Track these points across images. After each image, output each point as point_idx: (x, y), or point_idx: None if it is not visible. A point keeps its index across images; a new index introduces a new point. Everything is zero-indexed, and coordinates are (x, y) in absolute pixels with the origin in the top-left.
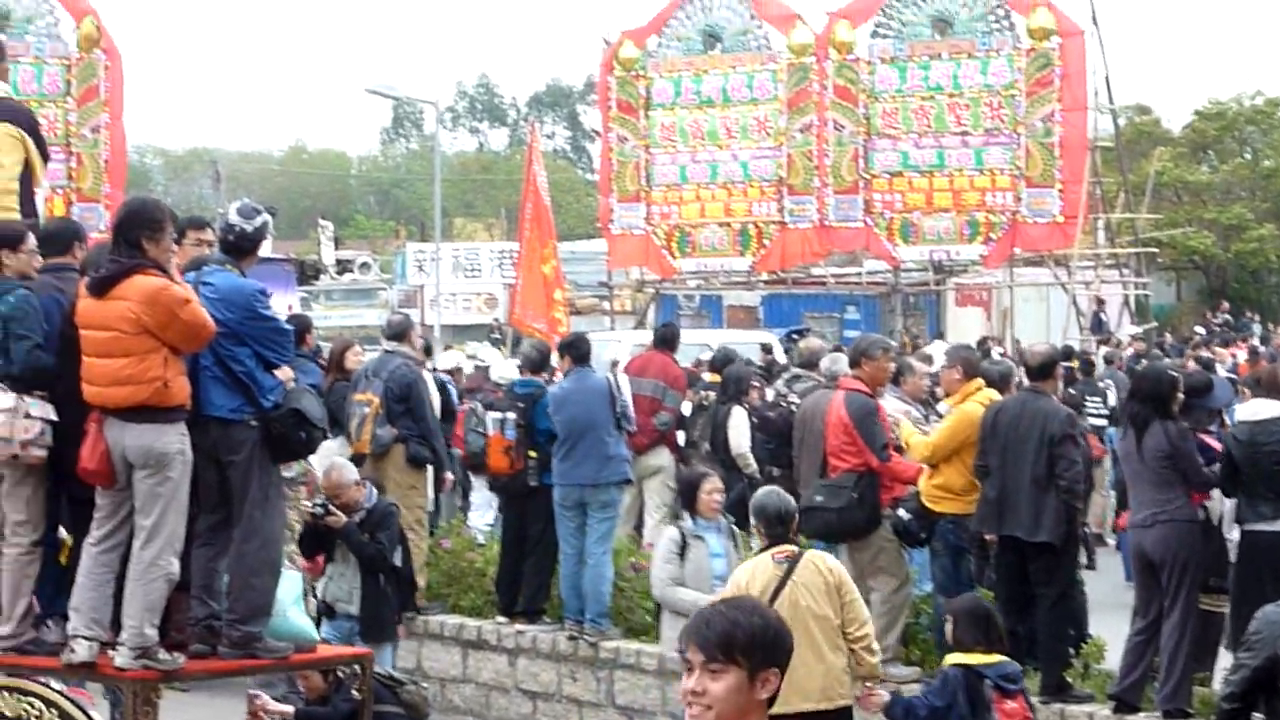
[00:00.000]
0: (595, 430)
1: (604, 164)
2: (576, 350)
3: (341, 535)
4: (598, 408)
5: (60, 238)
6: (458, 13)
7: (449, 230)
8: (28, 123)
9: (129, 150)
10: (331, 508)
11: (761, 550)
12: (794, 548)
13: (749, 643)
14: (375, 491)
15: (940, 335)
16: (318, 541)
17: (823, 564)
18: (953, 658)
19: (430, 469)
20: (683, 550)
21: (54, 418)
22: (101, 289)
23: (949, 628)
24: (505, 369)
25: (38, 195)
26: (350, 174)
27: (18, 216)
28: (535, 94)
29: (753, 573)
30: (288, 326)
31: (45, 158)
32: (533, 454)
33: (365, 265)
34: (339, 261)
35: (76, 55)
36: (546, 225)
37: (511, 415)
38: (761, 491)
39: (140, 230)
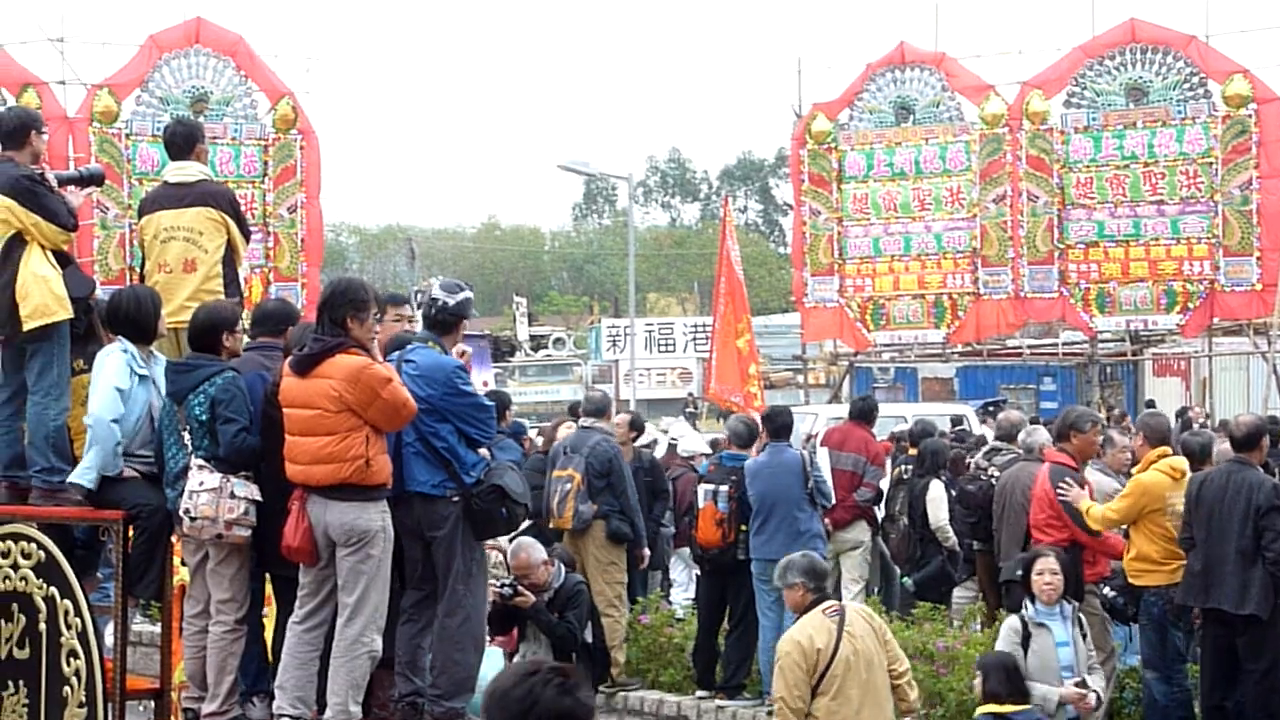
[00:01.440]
0: (787, 505)
1: (797, 237)
2: (773, 424)
3: (530, 615)
4: (790, 482)
5: (276, 318)
6: (649, 88)
7: (642, 305)
8: (229, 204)
9: (325, 229)
10: (520, 588)
11: (809, 608)
12: (838, 602)
13: None
14: (564, 569)
15: (1151, 404)
16: (508, 618)
17: (864, 612)
18: (985, 709)
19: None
20: (1025, 640)
21: (258, 498)
22: (305, 368)
23: (978, 682)
24: (694, 443)
25: (240, 275)
26: (543, 250)
27: (223, 297)
28: (726, 168)
29: (811, 632)
30: (489, 402)
31: (246, 237)
32: (744, 527)
33: (559, 341)
34: (533, 337)
35: (273, 136)
36: (740, 299)
37: (725, 488)
38: (798, 556)
39: (345, 309)
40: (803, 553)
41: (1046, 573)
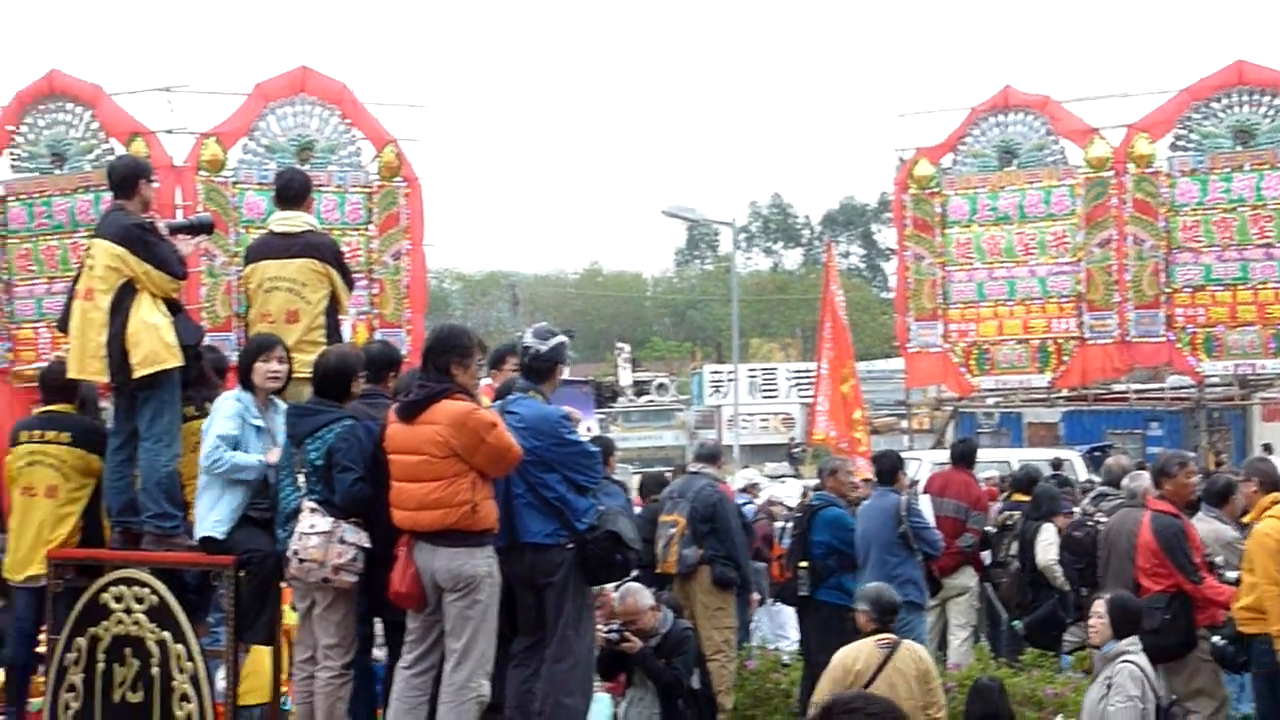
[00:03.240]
0: (880, 548)
1: (900, 282)
2: (877, 467)
3: (637, 661)
4: (884, 527)
5: (380, 364)
6: (751, 133)
7: (745, 350)
8: (333, 256)
9: (429, 275)
10: (627, 634)
11: (867, 635)
12: (895, 637)
13: None
14: (671, 615)
15: (1268, 448)
16: (616, 663)
17: (916, 652)
18: None
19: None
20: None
21: (367, 545)
22: (410, 414)
23: None
24: (788, 490)
25: (344, 324)
26: (645, 295)
27: (324, 346)
28: (829, 212)
29: (857, 655)
30: (594, 449)
31: (350, 286)
32: (803, 565)
33: (662, 386)
34: (636, 383)
35: (377, 183)
36: (844, 344)
37: (789, 525)
38: (871, 585)
39: (450, 356)
40: (877, 584)
41: (1092, 615)
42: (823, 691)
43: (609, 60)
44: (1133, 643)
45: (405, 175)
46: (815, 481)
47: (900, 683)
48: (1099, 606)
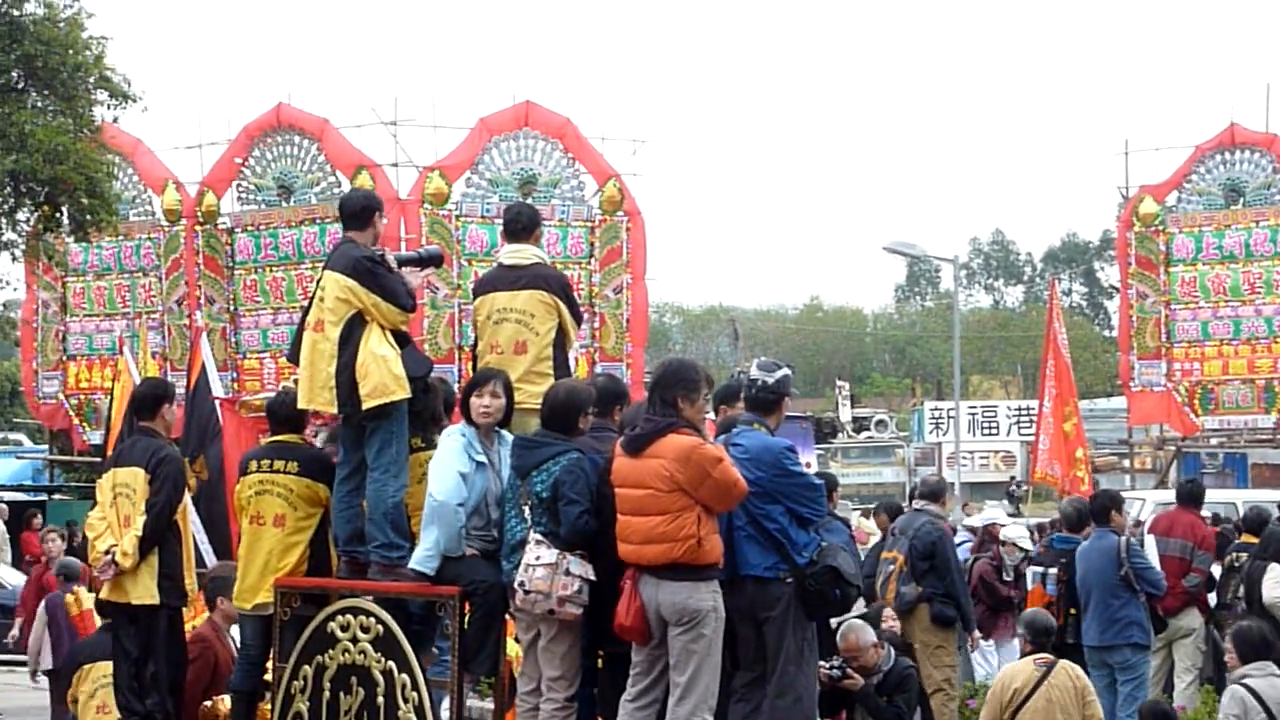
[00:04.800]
0: (1101, 590)
1: (1123, 320)
2: (1092, 506)
3: (859, 698)
4: (1105, 568)
5: (606, 397)
6: (973, 169)
7: (966, 387)
8: (561, 288)
9: (649, 309)
10: (849, 670)
11: (1025, 655)
12: (1052, 657)
13: None
14: (893, 652)
15: None
16: (838, 701)
17: (1073, 672)
18: None
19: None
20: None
21: (592, 577)
22: (637, 447)
23: None
24: (1013, 531)
25: (569, 357)
26: (865, 331)
27: (553, 379)
28: (1050, 249)
29: (1015, 674)
30: (818, 481)
31: (578, 321)
32: (1073, 611)
33: (881, 423)
34: (855, 419)
35: (599, 218)
36: (1067, 383)
37: (1054, 570)
38: (1030, 610)
39: (676, 390)
40: (1033, 609)
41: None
42: (988, 707)
43: (832, 95)
44: (1258, 667)
45: (627, 209)
46: (1044, 520)
47: (1056, 699)
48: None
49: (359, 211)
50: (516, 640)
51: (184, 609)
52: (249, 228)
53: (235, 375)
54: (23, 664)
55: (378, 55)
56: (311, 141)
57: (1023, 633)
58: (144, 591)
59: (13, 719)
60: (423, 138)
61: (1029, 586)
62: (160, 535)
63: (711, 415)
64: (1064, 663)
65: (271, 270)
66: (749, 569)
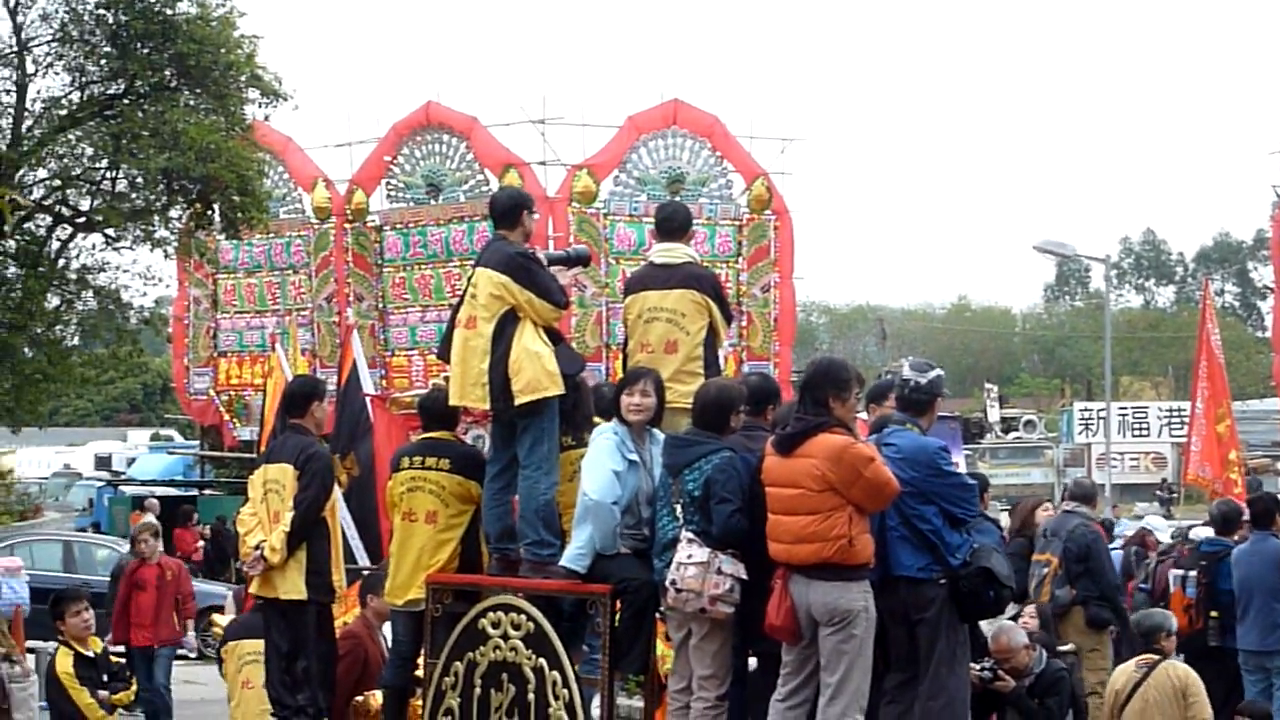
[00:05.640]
0: (1264, 595)
1: (1277, 321)
2: (1251, 510)
3: (1010, 700)
4: (1266, 572)
5: (757, 397)
6: (1123, 168)
7: (1116, 388)
8: (712, 288)
9: (796, 308)
10: (1000, 672)
11: (1133, 657)
12: (1156, 657)
13: None
14: (1044, 654)
15: None
16: (989, 703)
17: (1174, 671)
18: None
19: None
20: None
21: (744, 576)
22: (788, 446)
23: None
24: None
25: (720, 355)
26: (1014, 331)
27: (703, 379)
28: (1203, 249)
29: (1119, 675)
30: (971, 482)
31: (728, 320)
32: (1214, 614)
33: (1030, 424)
34: (1003, 419)
35: (747, 216)
36: (1220, 384)
37: (1193, 573)
38: (1141, 612)
39: (828, 389)
40: (1146, 611)
41: None
42: (1103, 714)
43: (983, 93)
44: None
45: (775, 208)
46: (1189, 523)
47: (1153, 699)
48: None
49: (508, 210)
50: (667, 639)
51: (334, 605)
52: (398, 225)
53: (384, 372)
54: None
55: (527, 53)
56: (460, 140)
57: (1135, 634)
58: (292, 587)
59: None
60: (571, 136)
61: (1171, 589)
62: (308, 531)
63: (863, 414)
64: (1168, 663)
65: (420, 268)
66: (902, 570)
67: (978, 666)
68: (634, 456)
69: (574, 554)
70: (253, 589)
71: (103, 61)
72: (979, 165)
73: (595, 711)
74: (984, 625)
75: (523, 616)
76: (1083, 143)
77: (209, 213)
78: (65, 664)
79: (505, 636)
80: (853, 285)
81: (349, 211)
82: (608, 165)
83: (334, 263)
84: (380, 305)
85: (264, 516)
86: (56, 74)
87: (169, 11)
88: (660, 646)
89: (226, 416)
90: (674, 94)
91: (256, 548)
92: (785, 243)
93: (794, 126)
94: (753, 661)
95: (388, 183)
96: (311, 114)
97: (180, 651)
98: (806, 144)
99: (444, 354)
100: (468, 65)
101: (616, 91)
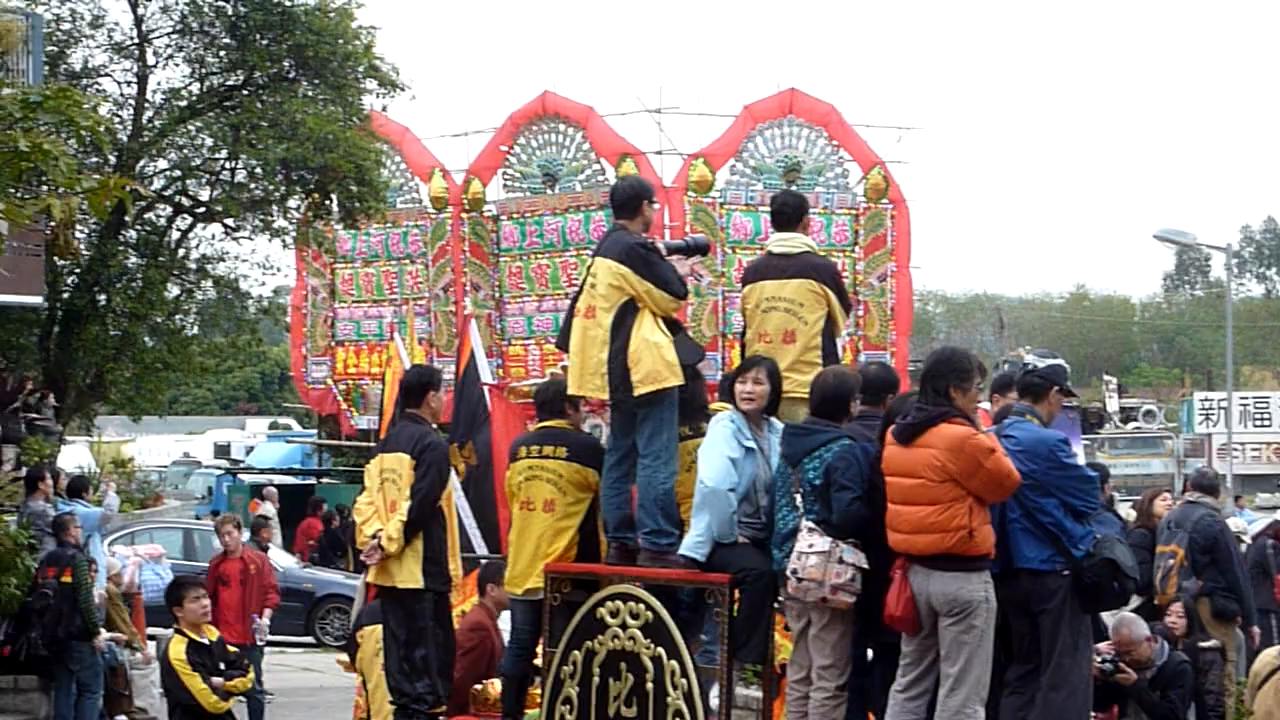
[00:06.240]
0: None
1: None
2: None
3: (1133, 692)
4: None
5: (876, 386)
6: (1245, 155)
7: (1237, 378)
8: (830, 277)
9: (913, 298)
10: (1121, 664)
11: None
12: None
13: None
14: (1167, 647)
15: None
16: (1110, 695)
17: None
18: None
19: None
20: None
21: (865, 565)
22: (908, 436)
23: None
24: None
25: (838, 344)
26: (1132, 320)
27: (820, 368)
28: None
29: (1260, 659)
30: (1092, 474)
31: (847, 310)
32: None
33: (1149, 413)
34: (1122, 409)
35: (864, 205)
36: None
37: None
38: None
39: (949, 379)
40: None
41: None
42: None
43: (1100, 80)
44: None
45: (892, 197)
46: None
47: None
48: None
49: (628, 200)
50: (785, 630)
51: (452, 594)
52: (514, 215)
53: (500, 362)
54: (290, 645)
55: (642, 42)
56: (576, 129)
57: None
58: (408, 576)
59: (283, 698)
60: (687, 125)
61: None
62: (424, 520)
63: (985, 405)
64: None
65: (536, 257)
66: (1024, 562)
67: (1099, 659)
68: (750, 444)
69: (693, 542)
70: (369, 577)
71: (222, 53)
72: (1097, 153)
73: (714, 701)
74: (1105, 617)
75: (641, 605)
76: (1203, 130)
77: (327, 202)
78: (178, 650)
79: (624, 625)
80: (969, 274)
81: (466, 201)
82: (724, 154)
83: (450, 252)
84: (496, 294)
85: (380, 505)
86: (176, 65)
87: (288, 3)
88: (777, 637)
89: (344, 405)
90: (790, 83)
91: (374, 536)
92: (902, 232)
93: (910, 115)
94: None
95: (504, 172)
96: (428, 104)
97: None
98: (923, 132)
99: (563, 343)
100: (584, 54)
101: (733, 80)
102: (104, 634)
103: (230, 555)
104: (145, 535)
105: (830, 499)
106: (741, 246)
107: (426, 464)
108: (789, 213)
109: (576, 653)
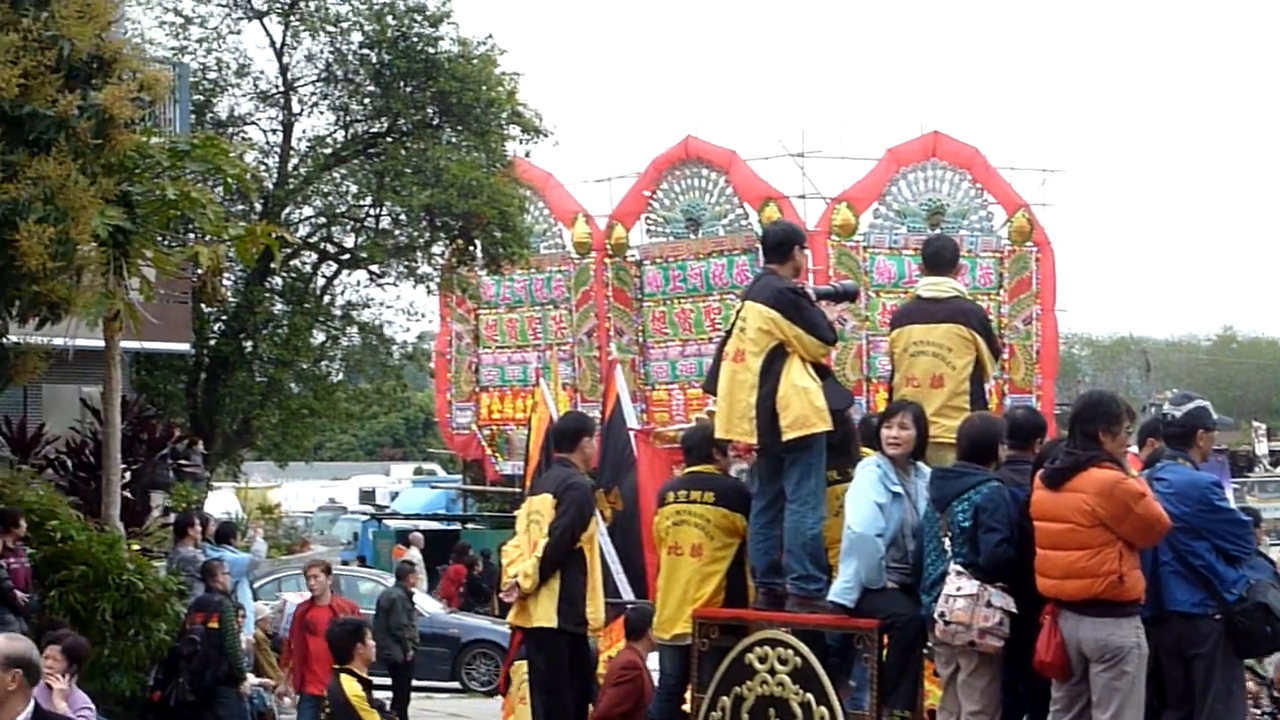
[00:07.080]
0: None
1: None
2: None
3: None
4: None
5: (1023, 431)
6: None
7: None
8: (979, 323)
9: (1059, 340)
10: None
11: None
12: None
13: None
14: None
15: None
16: None
17: None
18: None
19: None
20: None
21: (1013, 609)
22: (1057, 481)
23: None
24: None
25: (986, 390)
26: None
27: (968, 413)
28: None
29: None
30: (1245, 517)
31: (996, 356)
32: None
33: None
34: (1272, 452)
35: (1008, 248)
36: None
37: None
38: None
39: (1098, 423)
40: None
41: None
42: None
43: (1243, 119)
44: None
45: (1037, 240)
46: None
47: None
48: None
49: (780, 244)
50: (934, 676)
51: (593, 639)
52: (657, 260)
53: (644, 406)
54: (436, 690)
55: (785, 86)
56: (719, 174)
57: None
58: (543, 615)
59: None
60: (829, 169)
61: None
62: (560, 558)
63: (1134, 449)
64: None
65: (680, 302)
66: (1176, 605)
67: (1258, 712)
68: (898, 489)
69: (841, 588)
70: (509, 617)
71: (366, 100)
72: (1243, 192)
73: None
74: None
75: (790, 651)
76: None
77: (471, 248)
78: (354, 688)
79: (772, 671)
80: (1115, 316)
81: (609, 246)
82: (867, 198)
83: (594, 297)
84: (640, 339)
85: (525, 547)
86: (321, 113)
87: (431, 50)
88: (926, 683)
89: (488, 451)
90: (933, 125)
91: (514, 576)
92: (1047, 274)
93: (1054, 157)
94: None
95: (647, 217)
96: (571, 150)
97: None
98: (1067, 174)
99: (710, 387)
100: (726, 99)
101: (875, 124)
102: (251, 679)
103: (318, 602)
104: (292, 581)
105: (978, 541)
106: (885, 290)
107: (567, 503)
108: (944, 258)
109: (725, 698)
